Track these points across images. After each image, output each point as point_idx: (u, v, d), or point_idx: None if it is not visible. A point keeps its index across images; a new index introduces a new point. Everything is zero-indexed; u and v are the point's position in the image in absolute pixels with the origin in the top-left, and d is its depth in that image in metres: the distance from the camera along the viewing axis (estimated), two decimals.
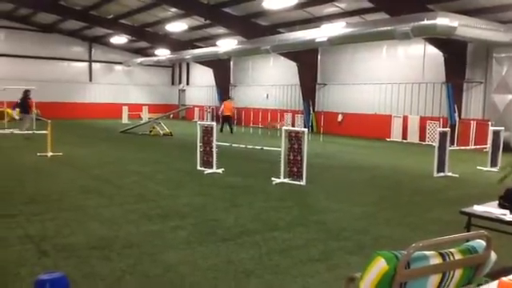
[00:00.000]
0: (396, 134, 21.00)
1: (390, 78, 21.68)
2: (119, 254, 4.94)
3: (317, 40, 18.00)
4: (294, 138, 9.23)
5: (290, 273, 4.54)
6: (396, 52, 21.62)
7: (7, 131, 17.66)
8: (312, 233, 5.95)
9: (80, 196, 7.82)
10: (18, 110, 25.00)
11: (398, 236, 5.89)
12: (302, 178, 9.04)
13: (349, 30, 16.98)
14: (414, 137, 20.36)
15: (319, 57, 25.07)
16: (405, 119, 20.88)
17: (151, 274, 4.41)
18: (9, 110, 25.14)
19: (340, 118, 23.81)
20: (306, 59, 23.99)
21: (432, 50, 19.27)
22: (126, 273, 4.40)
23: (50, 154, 12.39)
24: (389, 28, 15.17)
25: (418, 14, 14.47)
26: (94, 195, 7.93)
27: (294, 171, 9.23)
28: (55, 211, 6.72)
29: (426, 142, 19.28)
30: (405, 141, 20.42)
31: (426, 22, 14.00)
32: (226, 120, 22.94)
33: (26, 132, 16.67)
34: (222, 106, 23.85)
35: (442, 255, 1.94)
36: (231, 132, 22.18)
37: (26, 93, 18.81)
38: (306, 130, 9.52)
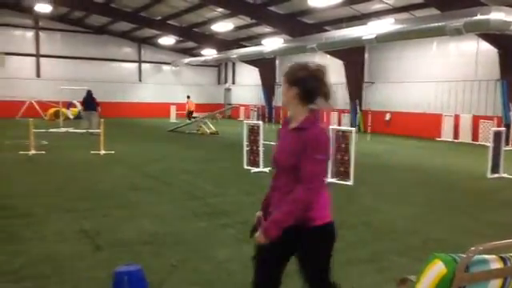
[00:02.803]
0: (447, 134, 20.35)
1: (441, 75, 21.02)
2: (169, 249, 5.07)
3: (364, 37, 17.70)
4: (342, 138, 9.13)
5: (338, 274, 4.47)
6: (447, 48, 20.93)
7: (63, 130, 18.47)
8: (360, 233, 5.88)
9: (131, 193, 8.07)
10: (72, 109, 26.17)
11: (449, 238, 5.71)
12: (349, 178, 8.93)
13: (397, 27, 16.60)
14: (465, 136, 19.66)
15: (366, 54, 24.64)
16: (456, 118, 20.20)
17: (201, 270, 4.50)
18: (64, 110, 26.27)
19: (388, 116, 23.33)
20: (353, 57, 23.63)
21: (485, 46, 18.54)
22: (176, 268, 4.51)
23: (102, 151, 12.85)
24: (440, 24, 14.70)
25: (470, 8, 13.95)
26: (144, 192, 8.15)
27: (341, 171, 9.14)
28: (108, 207, 6.97)
29: (479, 142, 18.57)
30: (456, 140, 19.75)
31: (479, 17, 13.47)
32: None
33: (94, 130, 17.33)
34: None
35: (503, 259, 1.87)
36: None
37: (90, 92, 19.67)
38: (353, 129, 9.40)
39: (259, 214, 2.91)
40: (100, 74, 32.51)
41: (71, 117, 27.35)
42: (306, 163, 2.45)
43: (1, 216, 6.31)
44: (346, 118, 25.00)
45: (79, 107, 26.76)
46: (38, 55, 30.98)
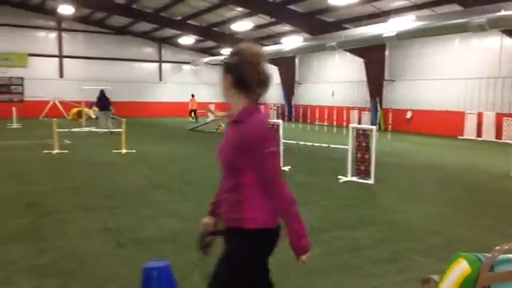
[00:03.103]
0: (469, 132, 20.02)
1: (464, 72, 20.68)
2: (191, 247, 5.09)
3: (384, 35, 17.54)
4: (362, 136, 9.08)
5: (359, 273, 4.49)
6: (470, 45, 20.58)
7: (85, 129, 18.78)
8: (381, 232, 5.83)
9: (153, 191, 8.16)
10: (95, 108, 26.57)
11: (472, 238, 5.63)
12: (370, 177, 8.87)
13: (419, 24, 16.39)
14: (489, 134, 19.31)
15: (387, 52, 24.40)
16: (479, 116, 19.86)
17: None
18: (86, 110, 26.69)
19: (409, 115, 23.07)
20: (374, 55, 23.43)
21: (509, 43, 18.17)
22: (198, 265, 4.54)
23: (124, 150, 13.02)
24: (462, 20, 14.48)
25: (493, 4, 13.72)
26: (165, 191, 8.24)
27: (361, 169, 9.08)
28: (130, 205, 7.06)
29: (503, 140, 18.22)
30: (479, 139, 19.42)
31: (502, 13, 13.23)
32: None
33: (112, 129, 17.64)
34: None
35: None
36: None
37: (103, 92, 19.90)
38: (374, 127, 9.33)
39: (207, 220, 2.62)
40: (121, 74, 32.94)
41: (93, 116, 27.74)
42: (261, 160, 2.20)
43: (27, 214, 6.46)
44: (366, 116, 24.82)
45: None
46: (60, 56, 31.53)
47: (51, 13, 28.86)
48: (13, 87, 30.20)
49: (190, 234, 5.63)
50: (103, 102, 19.75)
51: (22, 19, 29.59)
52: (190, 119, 28.48)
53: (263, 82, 2.28)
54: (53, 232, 5.63)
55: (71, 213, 6.56)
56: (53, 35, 31.42)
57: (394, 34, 17.05)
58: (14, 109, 23.25)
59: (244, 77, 2.24)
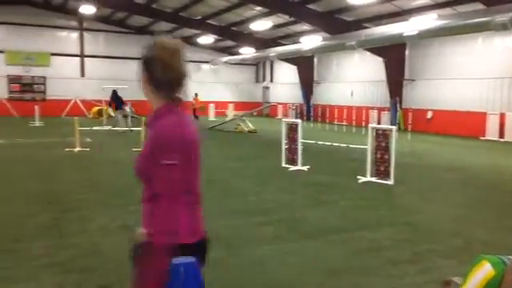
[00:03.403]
0: (492, 133, 19.66)
1: (486, 72, 20.30)
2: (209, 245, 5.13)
3: (405, 34, 17.34)
4: (381, 136, 8.99)
5: (379, 273, 4.46)
6: (492, 44, 20.19)
7: (106, 128, 19.02)
8: (401, 233, 5.78)
9: None
10: (108, 108, 26.91)
11: (494, 240, 5.54)
12: (389, 177, 8.79)
13: (441, 23, 16.16)
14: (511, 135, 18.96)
15: (407, 51, 24.11)
16: (501, 117, 19.49)
17: (239, 267, 4.54)
18: (106, 108, 27.00)
19: (429, 115, 22.77)
20: (394, 54, 23.20)
21: None
22: (216, 264, 4.56)
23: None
24: (485, 19, 14.23)
25: None
26: None
27: (380, 170, 9.00)
28: None
29: None
30: (501, 140, 19.06)
31: None
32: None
33: (131, 127, 17.88)
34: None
35: None
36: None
37: (116, 91, 20.21)
38: (394, 127, 9.24)
39: (142, 230, 2.22)
40: None
41: (113, 115, 28.07)
42: (156, 168, 1.98)
43: (50, 210, 6.57)
44: (385, 116, 24.58)
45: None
46: (82, 55, 31.99)
47: (73, 13, 29.34)
48: (35, 86, 30.75)
49: (209, 233, 5.67)
50: (117, 101, 20.03)
51: (44, 19, 30.12)
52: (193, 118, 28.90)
53: (178, 79, 2.07)
54: (74, 229, 5.72)
55: (92, 210, 6.65)
56: (74, 35, 31.89)
57: (415, 32, 16.85)
58: (36, 107, 23.69)
59: (156, 74, 2.04)
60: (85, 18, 30.09)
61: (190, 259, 1.94)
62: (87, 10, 26.26)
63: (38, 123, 22.48)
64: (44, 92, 30.83)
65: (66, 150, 13.00)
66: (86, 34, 32.10)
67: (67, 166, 10.64)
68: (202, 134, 2.24)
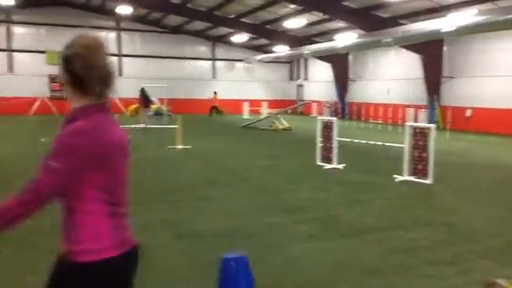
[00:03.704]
0: None
1: None
2: (244, 242, 5.19)
3: (443, 30, 16.94)
4: (419, 135, 8.84)
5: (416, 274, 4.40)
6: None
7: (142, 125, 19.40)
8: (440, 234, 5.67)
9: (208, 186, 8.33)
10: (152, 106, 27.50)
11: None
12: (427, 176, 8.62)
13: (480, 18, 15.68)
14: None
15: (445, 48, 23.51)
16: None
17: (273, 264, 4.57)
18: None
19: (469, 113, 22.14)
20: (431, 51, 22.64)
21: None
22: (251, 261, 4.61)
23: (179, 146, 13.35)
24: None
25: None
26: (219, 186, 8.39)
27: (418, 169, 8.85)
28: (186, 200, 7.26)
29: None
30: None
31: None
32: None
33: (147, 125, 18.38)
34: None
35: None
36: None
37: (144, 89, 20.66)
38: (432, 125, 9.06)
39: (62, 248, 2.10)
40: (176, 72, 33.79)
41: (150, 113, 28.61)
42: (39, 168, 1.80)
43: None
44: (422, 114, 24.06)
45: (157, 104, 28.06)
46: (119, 55, 32.69)
47: (110, 13, 30.07)
48: None
49: (244, 230, 5.75)
50: (145, 99, 20.50)
51: (83, 20, 30.91)
52: (210, 115, 29.88)
53: (101, 78, 1.91)
54: None
55: (132, 205, 6.79)
56: (112, 35, 32.62)
57: (452, 29, 16.43)
58: None
59: (77, 74, 1.88)
60: (122, 18, 30.75)
61: (241, 254, 1.98)
62: (124, 10, 26.85)
63: None
64: None
65: None
66: (123, 34, 32.80)
67: None
68: (129, 140, 2.13)
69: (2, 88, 29.27)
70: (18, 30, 30.29)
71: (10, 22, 29.89)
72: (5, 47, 29.86)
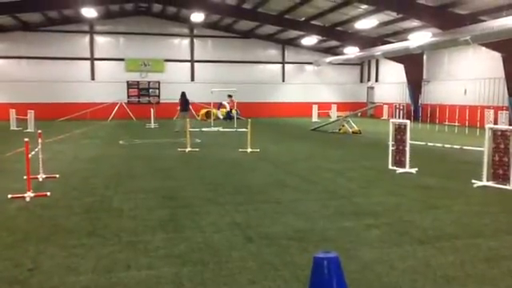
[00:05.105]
0: None
1: None
2: (316, 246, 5.17)
3: None
4: (500, 137, 8.35)
5: (498, 284, 4.17)
6: None
7: (213, 129, 19.89)
8: None
9: (277, 189, 8.39)
10: (222, 109, 28.14)
11: None
12: (509, 182, 8.13)
13: None
14: None
15: None
16: None
17: (348, 270, 4.49)
18: (214, 110, 28.32)
19: None
20: None
21: None
22: None
23: (249, 150, 13.54)
24: None
25: None
26: (289, 189, 8.41)
27: (499, 174, 8.36)
28: (256, 202, 7.35)
29: None
30: None
31: None
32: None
33: (178, 129, 18.86)
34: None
35: None
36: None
37: (184, 93, 20.94)
38: None
39: None
40: (247, 76, 34.33)
41: (221, 117, 29.36)
42: None
43: (168, 206, 7.08)
44: (503, 115, 22.66)
45: (228, 108, 28.67)
46: (192, 60, 33.79)
47: (185, 21, 31.27)
48: (151, 90, 33.18)
49: (315, 234, 5.73)
50: (185, 103, 20.80)
51: (160, 28, 32.42)
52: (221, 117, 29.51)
53: None
54: (187, 224, 6.09)
55: (204, 206, 7.03)
56: (186, 41, 33.78)
57: None
58: (151, 110, 25.64)
59: None
60: (195, 25, 31.76)
61: (333, 254, 2.00)
62: (197, 17, 27.72)
63: (153, 125, 24.20)
64: (158, 96, 33.12)
65: (178, 149, 13.85)
66: (195, 40, 33.84)
67: (180, 165, 11.32)
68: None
69: (86, 95, 31.32)
70: (99, 39, 32.23)
71: (92, 32, 31.87)
72: (88, 56, 31.88)
